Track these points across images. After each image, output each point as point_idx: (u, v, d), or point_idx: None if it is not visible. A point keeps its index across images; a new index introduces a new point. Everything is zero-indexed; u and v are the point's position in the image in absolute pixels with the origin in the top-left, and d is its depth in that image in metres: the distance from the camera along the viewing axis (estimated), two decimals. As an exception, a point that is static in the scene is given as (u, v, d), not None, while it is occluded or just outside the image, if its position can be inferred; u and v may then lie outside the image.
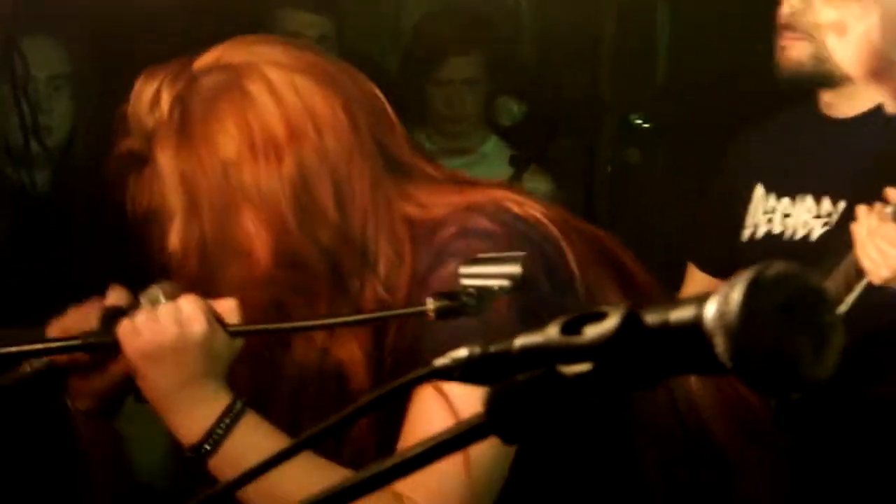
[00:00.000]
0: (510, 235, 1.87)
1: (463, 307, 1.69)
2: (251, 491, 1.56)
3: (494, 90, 4.18)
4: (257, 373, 1.95)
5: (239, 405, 1.82)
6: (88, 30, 3.84)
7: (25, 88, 3.55)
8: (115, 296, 1.90)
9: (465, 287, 1.73)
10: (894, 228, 2.47)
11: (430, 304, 1.70)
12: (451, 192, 1.97)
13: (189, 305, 1.79)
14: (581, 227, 2.02)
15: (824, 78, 2.81)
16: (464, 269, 1.77)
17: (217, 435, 1.80)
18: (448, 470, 1.73)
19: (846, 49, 1.40)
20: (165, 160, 1.90)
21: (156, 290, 1.88)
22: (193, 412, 1.81)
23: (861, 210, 2.55)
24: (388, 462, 0.97)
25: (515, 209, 1.93)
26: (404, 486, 1.73)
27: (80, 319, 1.91)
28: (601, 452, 1.95)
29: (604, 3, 4.60)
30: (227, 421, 1.80)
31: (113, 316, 1.84)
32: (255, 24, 3.81)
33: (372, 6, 4.62)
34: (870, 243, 2.51)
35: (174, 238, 1.92)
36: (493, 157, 4.16)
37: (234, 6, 3.88)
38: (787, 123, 3.05)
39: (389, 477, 0.99)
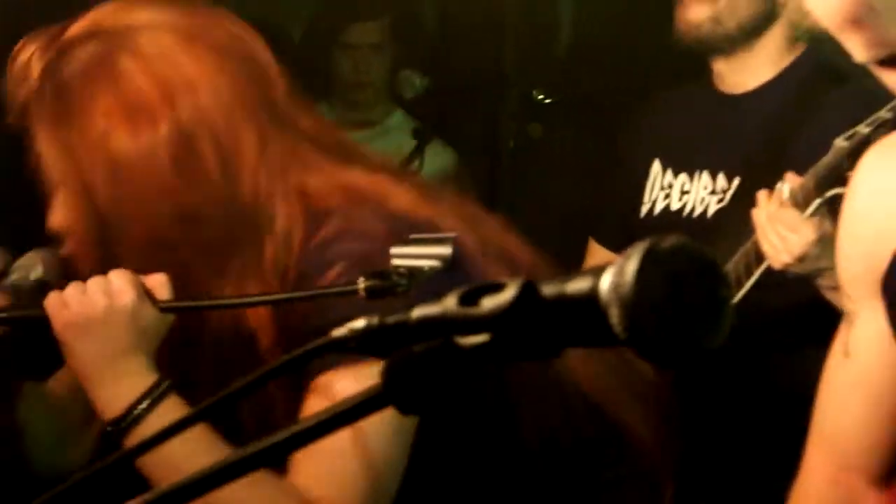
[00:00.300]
0: (393, 234, 1.87)
1: (394, 287, 1.70)
2: (148, 461, 1.55)
3: (398, 63, 4.17)
4: (178, 345, 1.93)
5: (164, 386, 1.81)
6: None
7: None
8: None
9: (397, 267, 1.75)
10: (793, 213, 2.48)
11: (361, 284, 1.71)
12: (340, 170, 1.97)
13: (119, 279, 1.78)
14: (466, 212, 2.02)
15: (721, 42, 2.80)
16: (395, 250, 1.79)
17: (138, 412, 1.78)
18: (345, 456, 1.75)
19: None
20: (42, 134, 1.88)
21: (33, 256, 1.86)
22: (117, 386, 1.79)
23: (761, 195, 2.55)
24: (283, 434, 0.97)
25: (397, 204, 1.94)
26: (304, 482, 1.74)
27: None
28: (481, 419, 1.96)
29: (507, -23, 4.61)
30: (149, 400, 1.79)
31: None
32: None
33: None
34: (770, 229, 2.51)
35: (57, 212, 1.90)
36: (397, 130, 4.15)
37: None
38: (681, 99, 3.06)
39: (285, 450, 0.99)
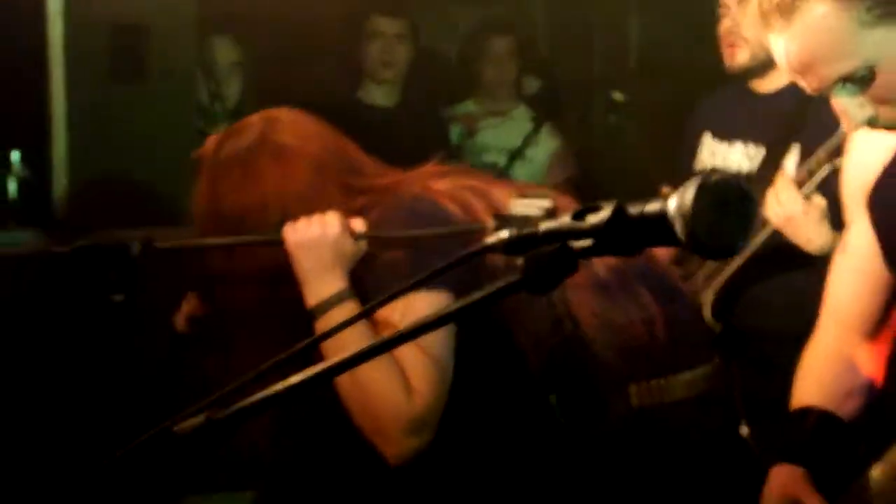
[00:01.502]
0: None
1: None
2: (327, 346, 1.57)
3: (522, 70, 4.20)
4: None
5: (347, 293, 1.88)
6: (254, 32, 3.96)
7: (212, 70, 3.73)
8: None
9: (516, 214, 1.83)
10: (790, 191, 2.51)
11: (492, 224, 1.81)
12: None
13: (331, 217, 1.88)
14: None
15: (758, 71, 2.81)
16: (515, 203, 1.85)
17: (326, 306, 1.86)
18: (432, 358, 1.80)
19: (778, 52, 1.50)
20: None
21: None
22: (319, 287, 1.87)
23: (778, 177, 2.57)
24: (418, 322, 1.02)
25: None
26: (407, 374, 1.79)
27: None
28: (491, 343, 1.97)
29: (591, 8, 4.64)
30: (335, 300, 1.86)
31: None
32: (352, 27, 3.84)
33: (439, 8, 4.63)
34: (772, 199, 2.54)
35: None
36: (521, 118, 4.17)
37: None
38: (725, 93, 3.04)
39: (413, 335, 1.02)
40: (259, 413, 0.98)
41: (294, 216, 1.88)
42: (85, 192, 3.03)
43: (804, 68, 1.47)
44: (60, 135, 2.99)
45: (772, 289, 2.74)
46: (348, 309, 1.84)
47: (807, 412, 1.72)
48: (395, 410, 1.78)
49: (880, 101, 1.47)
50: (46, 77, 2.98)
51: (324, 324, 1.83)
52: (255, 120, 2.00)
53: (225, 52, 3.73)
